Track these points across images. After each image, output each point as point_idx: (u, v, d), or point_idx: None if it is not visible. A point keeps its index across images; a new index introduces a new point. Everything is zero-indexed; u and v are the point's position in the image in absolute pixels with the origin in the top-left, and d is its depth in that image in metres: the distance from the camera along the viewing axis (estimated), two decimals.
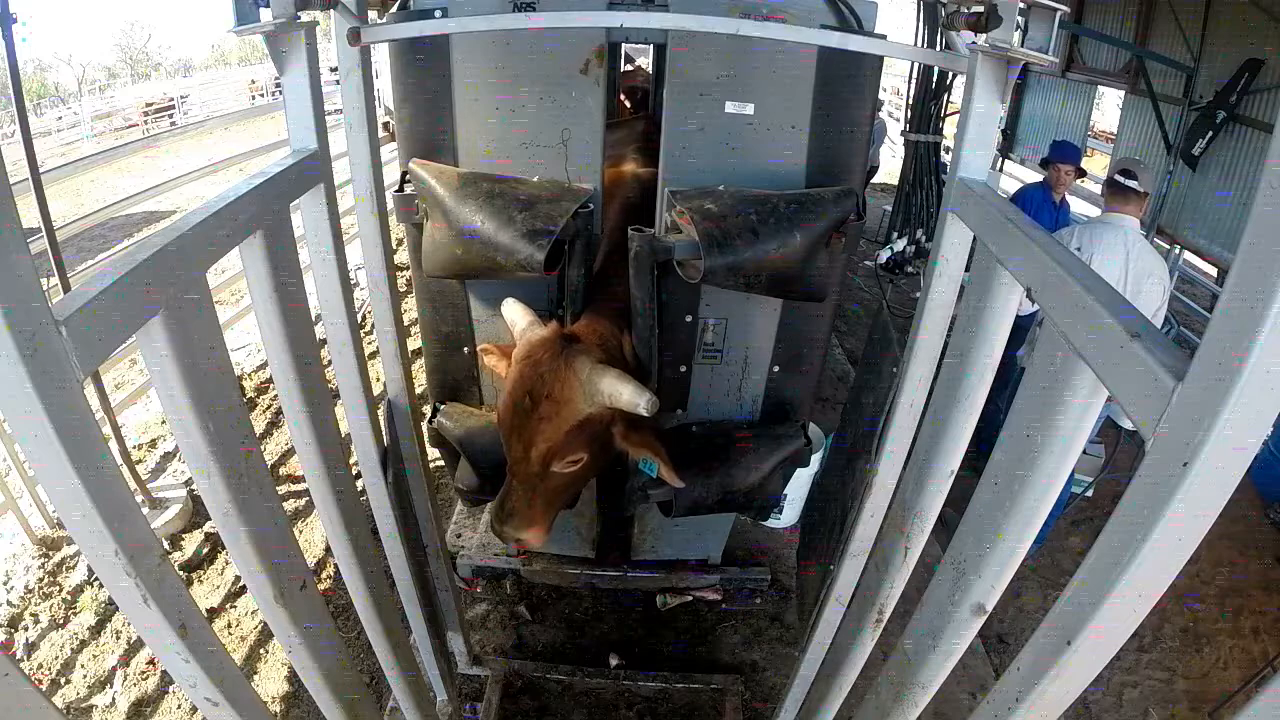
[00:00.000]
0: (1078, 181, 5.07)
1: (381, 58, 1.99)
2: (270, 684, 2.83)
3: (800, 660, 1.89)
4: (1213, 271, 6.81)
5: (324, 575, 3.29)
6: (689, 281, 1.75)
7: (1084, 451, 1.02)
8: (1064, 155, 4.38)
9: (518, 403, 1.60)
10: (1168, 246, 6.58)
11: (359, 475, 1.62)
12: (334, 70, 1.35)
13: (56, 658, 2.90)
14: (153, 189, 6.03)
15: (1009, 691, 0.89)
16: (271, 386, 4.38)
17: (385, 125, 6.91)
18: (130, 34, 39.42)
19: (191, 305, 0.90)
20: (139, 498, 3.55)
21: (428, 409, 2.22)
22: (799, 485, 3.25)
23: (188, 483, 3.74)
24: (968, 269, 1.21)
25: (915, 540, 1.33)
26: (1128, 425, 2.39)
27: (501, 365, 1.76)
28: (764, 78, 1.74)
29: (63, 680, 2.82)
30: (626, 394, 1.51)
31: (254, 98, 21.12)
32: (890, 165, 9.44)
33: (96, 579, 3.17)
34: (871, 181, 8.96)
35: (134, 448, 4.05)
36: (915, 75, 2.92)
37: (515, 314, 1.73)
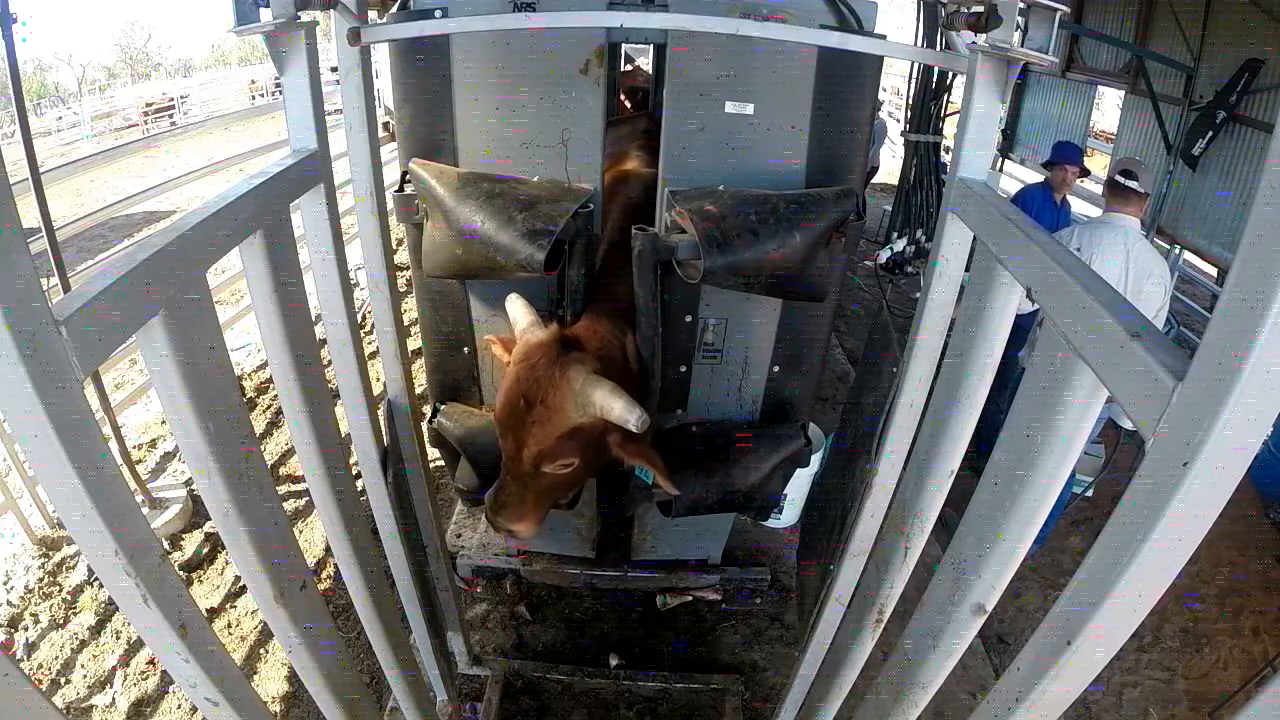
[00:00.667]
0: (1079, 182, 5.06)
1: (381, 58, 1.99)
2: (270, 684, 2.83)
3: (800, 660, 1.89)
4: (1213, 271, 6.81)
5: (324, 575, 3.29)
6: (689, 281, 1.75)
7: (1084, 451, 1.02)
8: (1067, 156, 4.36)
9: (513, 404, 1.61)
10: (1168, 246, 6.58)
11: (359, 475, 1.62)
12: (334, 70, 1.35)
13: (56, 658, 2.90)
14: (153, 189, 6.00)
15: (1009, 691, 0.89)
16: (271, 386, 4.38)
17: (385, 125, 6.91)
18: (130, 34, 39.42)
19: (191, 305, 0.90)
20: (139, 498, 3.55)
21: (428, 409, 2.23)
22: (799, 485, 3.25)
23: (188, 483, 3.74)
24: (968, 269, 1.21)
25: (915, 540, 1.33)
26: (1128, 425, 2.39)
27: (507, 357, 1.76)
28: (764, 78, 1.74)
29: (63, 680, 2.82)
30: (618, 409, 1.52)
31: (254, 98, 21.10)
32: (890, 165, 9.44)
33: (96, 579, 3.17)
34: (871, 181, 8.95)
35: (134, 448, 4.05)
36: (915, 75, 2.91)
37: (517, 312, 1.73)
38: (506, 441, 1.64)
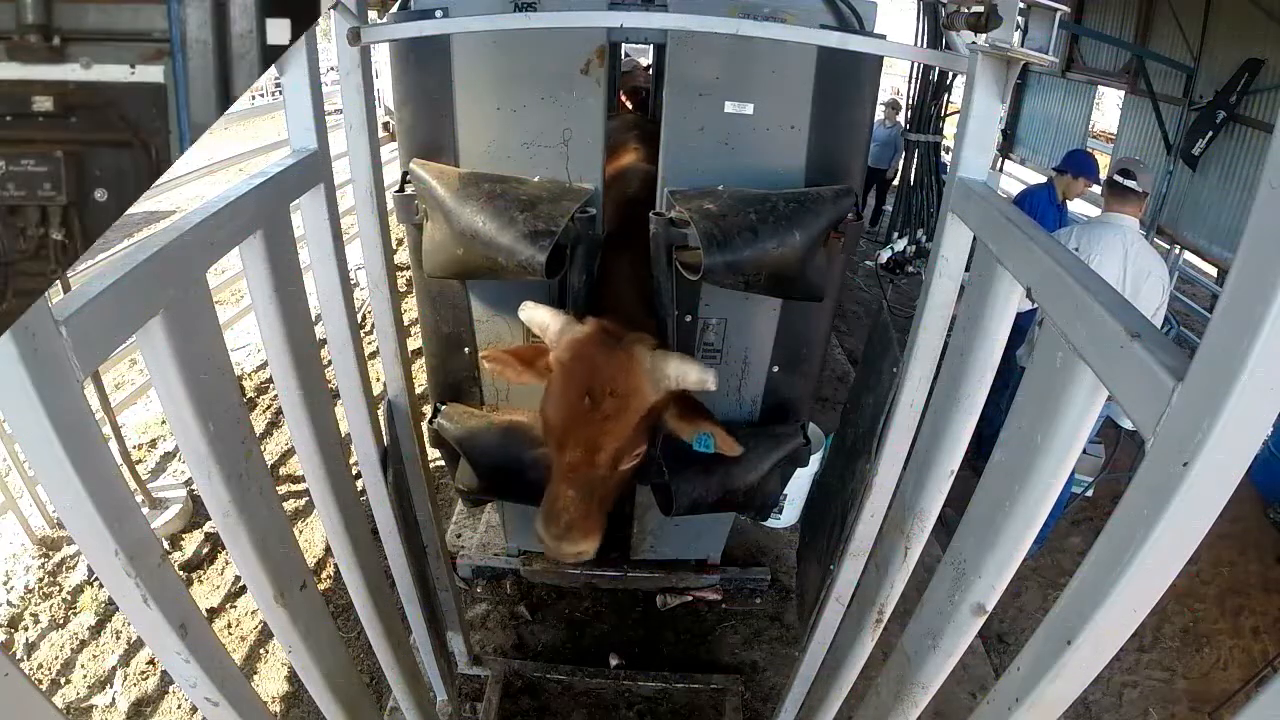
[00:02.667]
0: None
1: (382, 58, 1.99)
2: (270, 684, 2.83)
3: (800, 660, 1.89)
4: (1213, 271, 6.81)
5: (324, 575, 3.29)
6: (689, 279, 1.75)
7: (1084, 451, 1.02)
8: (1084, 170, 4.21)
9: (575, 407, 1.50)
10: (1168, 246, 6.58)
11: (359, 475, 1.62)
12: (334, 70, 1.35)
13: (56, 658, 2.90)
14: (153, 189, 6.02)
15: (1009, 691, 0.89)
16: (271, 386, 4.37)
17: (385, 125, 6.90)
18: None
19: (191, 305, 0.90)
20: (139, 498, 3.55)
21: (428, 409, 2.22)
22: (799, 485, 3.25)
23: (188, 483, 3.74)
24: (968, 269, 1.21)
25: (915, 540, 1.33)
26: (1128, 425, 2.39)
27: (510, 373, 1.65)
28: (763, 78, 1.74)
29: (63, 680, 2.82)
30: (694, 373, 1.46)
31: (254, 98, 20.97)
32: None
33: (96, 579, 3.17)
34: (893, 184, 8.94)
35: (134, 448, 4.05)
36: (915, 75, 2.91)
37: (545, 317, 1.61)
38: (571, 451, 1.50)
